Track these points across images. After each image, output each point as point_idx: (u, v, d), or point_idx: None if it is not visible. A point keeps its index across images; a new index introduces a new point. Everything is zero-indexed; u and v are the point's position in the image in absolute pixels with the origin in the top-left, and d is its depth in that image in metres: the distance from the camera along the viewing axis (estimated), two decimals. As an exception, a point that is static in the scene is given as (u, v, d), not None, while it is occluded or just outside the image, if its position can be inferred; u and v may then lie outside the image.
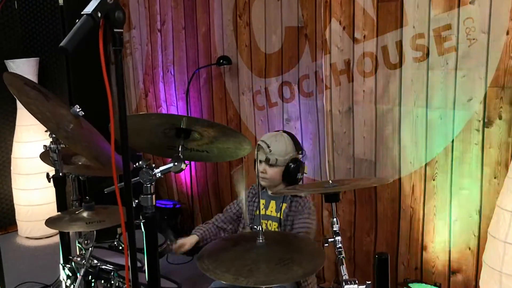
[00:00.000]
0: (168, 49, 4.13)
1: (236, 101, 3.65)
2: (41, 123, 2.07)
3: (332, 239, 1.58)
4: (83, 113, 2.28)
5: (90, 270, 2.03)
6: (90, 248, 1.91)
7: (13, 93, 2.08)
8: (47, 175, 2.25)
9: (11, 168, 4.23)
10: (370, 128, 2.90)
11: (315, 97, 3.15)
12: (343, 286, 1.44)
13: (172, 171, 1.66)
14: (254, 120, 3.54)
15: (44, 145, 2.20)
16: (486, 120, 2.45)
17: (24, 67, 4.04)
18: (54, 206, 4.37)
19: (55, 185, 2.19)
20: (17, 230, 4.37)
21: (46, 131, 2.21)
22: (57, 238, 4.26)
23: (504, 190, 2.20)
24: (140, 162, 1.67)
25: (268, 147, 2.33)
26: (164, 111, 4.25)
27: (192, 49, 3.93)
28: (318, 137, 3.17)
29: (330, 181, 1.75)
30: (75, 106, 2.23)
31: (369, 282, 1.46)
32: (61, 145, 2.14)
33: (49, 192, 4.19)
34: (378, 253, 1.67)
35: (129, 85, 4.59)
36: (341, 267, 1.51)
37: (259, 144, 2.36)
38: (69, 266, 2.10)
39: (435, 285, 2.68)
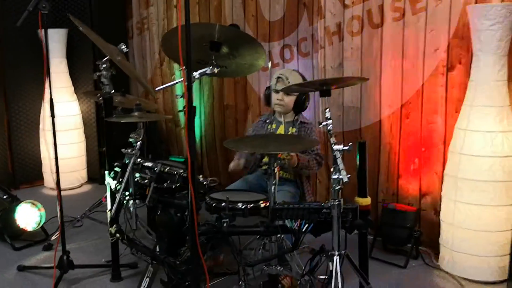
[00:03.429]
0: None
1: (243, 64, 4.21)
2: (100, 48, 2.63)
3: (325, 123, 2.14)
4: (127, 50, 2.85)
5: (135, 166, 2.58)
6: (139, 142, 2.45)
7: (76, 24, 2.63)
8: (98, 97, 2.80)
9: (40, 125, 4.75)
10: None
11: (311, 56, 3.74)
12: (333, 148, 2.00)
13: (208, 72, 2.22)
14: (259, 80, 4.11)
15: (95, 74, 2.75)
16: (449, 66, 3.04)
17: (56, 36, 4.58)
18: (78, 160, 4.91)
19: (104, 104, 2.73)
20: (43, 184, 4.89)
21: (97, 62, 2.77)
22: (81, 189, 4.82)
23: (460, 114, 2.79)
24: (184, 67, 2.24)
25: (287, 79, 2.97)
26: (177, 78, 4.81)
27: (204, 21, 4.50)
28: (313, 90, 3.75)
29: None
30: (121, 44, 2.81)
31: (351, 143, 2.03)
32: (111, 71, 2.69)
33: (75, 147, 4.75)
34: (358, 141, 2.24)
35: (145, 56, 5.16)
36: (330, 138, 2.08)
37: (279, 77, 3.03)
38: (117, 163, 2.64)
39: (408, 205, 3.25)
